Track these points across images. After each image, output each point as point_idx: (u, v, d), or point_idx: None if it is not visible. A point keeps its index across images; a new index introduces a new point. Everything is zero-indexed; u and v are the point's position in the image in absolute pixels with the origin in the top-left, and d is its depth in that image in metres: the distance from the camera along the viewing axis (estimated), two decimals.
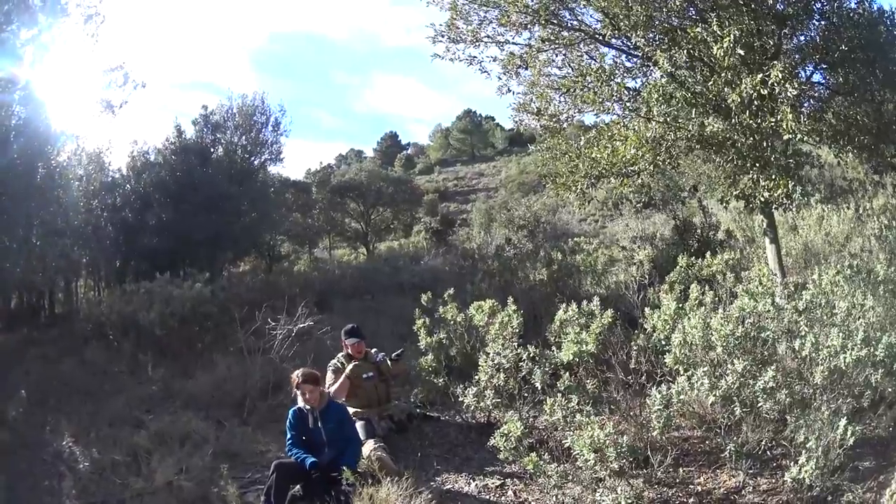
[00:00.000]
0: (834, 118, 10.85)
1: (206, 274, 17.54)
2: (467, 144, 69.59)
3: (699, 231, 18.41)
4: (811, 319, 7.33)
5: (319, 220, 35.70)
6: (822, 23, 10.89)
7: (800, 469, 5.74)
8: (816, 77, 11.42)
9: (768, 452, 6.75)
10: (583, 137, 11.38)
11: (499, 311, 9.28)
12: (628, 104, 10.58)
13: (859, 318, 7.35)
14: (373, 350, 9.43)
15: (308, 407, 7.38)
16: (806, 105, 10.91)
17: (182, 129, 24.73)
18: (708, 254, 12.89)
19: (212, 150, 24.75)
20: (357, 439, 7.75)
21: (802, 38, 11.14)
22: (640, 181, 11.38)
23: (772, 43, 10.17)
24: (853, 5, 10.95)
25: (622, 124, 10.79)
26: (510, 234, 25.49)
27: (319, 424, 7.34)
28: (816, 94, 11.40)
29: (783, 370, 6.77)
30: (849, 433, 5.83)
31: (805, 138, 9.73)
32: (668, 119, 9.68)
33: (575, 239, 21.27)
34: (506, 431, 6.37)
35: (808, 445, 5.83)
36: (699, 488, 6.56)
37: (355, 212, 36.39)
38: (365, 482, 6.81)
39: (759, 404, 6.47)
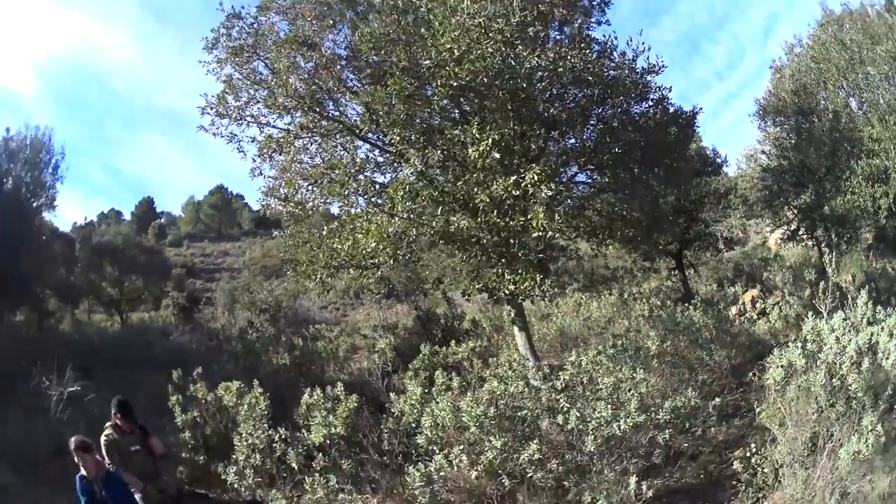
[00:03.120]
0: (596, 214, 11.51)
1: None
2: (216, 221, 66.84)
3: (443, 321, 19.01)
4: (573, 396, 7.71)
5: (80, 279, 33.62)
6: (600, 126, 11.46)
7: None
8: (581, 177, 12.13)
9: None
10: (326, 227, 11.32)
11: (246, 392, 9.40)
12: (373, 199, 10.69)
13: (630, 389, 7.71)
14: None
15: (91, 476, 7.15)
16: (565, 203, 11.33)
17: None
18: (453, 342, 13.32)
19: (4, 181, 22.96)
20: None
21: (573, 140, 11.81)
22: (379, 274, 11.63)
23: (534, 147, 10.70)
24: (642, 109, 11.63)
25: (365, 217, 10.76)
26: (252, 317, 25.31)
27: (104, 493, 7.15)
28: (578, 193, 12.05)
29: (550, 443, 7.22)
30: (644, 488, 6.33)
31: (552, 236, 9.91)
32: (413, 215, 9.87)
33: (316, 326, 21.31)
34: None
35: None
36: None
37: (111, 277, 34.18)
38: None
39: (529, 475, 6.80)
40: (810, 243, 21.25)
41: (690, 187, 18.53)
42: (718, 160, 23.77)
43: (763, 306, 15.16)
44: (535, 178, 8.88)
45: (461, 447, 7.08)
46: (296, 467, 7.69)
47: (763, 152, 22.97)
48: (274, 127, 11.40)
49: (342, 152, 11.29)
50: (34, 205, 24.09)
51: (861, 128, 18.42)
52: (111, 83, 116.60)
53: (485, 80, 9.50)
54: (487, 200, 9.18)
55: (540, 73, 10.01)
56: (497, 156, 9.39)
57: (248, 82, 11.05)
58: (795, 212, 20.33)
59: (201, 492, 9.33)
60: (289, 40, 10.60)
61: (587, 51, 10.44)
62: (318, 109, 10.93)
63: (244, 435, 8.33)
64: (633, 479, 6.30)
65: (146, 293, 36.47)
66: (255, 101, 11.11)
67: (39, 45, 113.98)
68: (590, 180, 12.21)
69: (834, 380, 6.56)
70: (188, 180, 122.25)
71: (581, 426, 6.90)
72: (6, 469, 9.45)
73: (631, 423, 6.82)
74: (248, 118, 11.28)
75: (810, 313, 7.95)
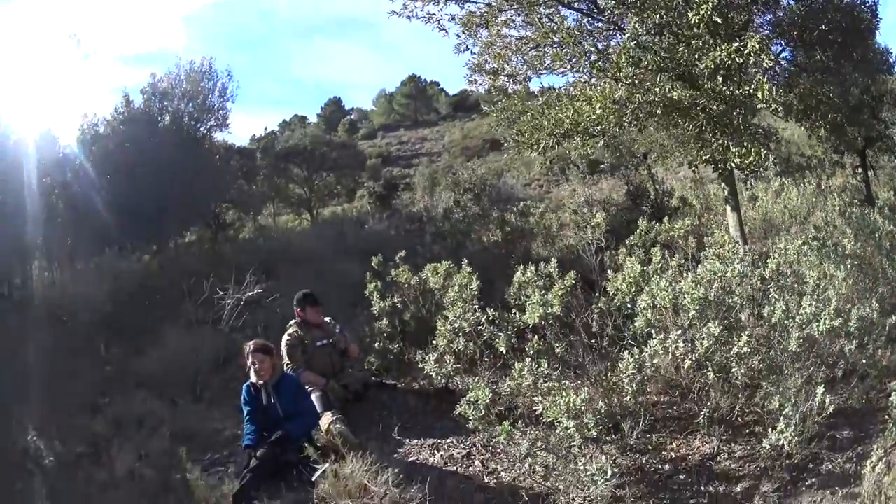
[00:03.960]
0: (800, 95, 10.96)
1: (153, 246, 17.04)
2: (411, 109, 67.92)
3: (652, 197, 18.66)
4: (781, 287, 7.32)
5: (263, 186, 34.49)
6: (800, 2, 10.95)
7: (778, 436, 5.66)
8: (785, 54, 11.55)
9: (739, 419, 6.66)
10: (540, 98, 11.13)
11: (455, 273, 9.32)
12: (598, 64, 10.20)
13: (828, 288, 7.35)
14: (327, 319, 9.15)
15: (261, 382, 7.15)
16: (777, 79, 10.99)
17: (131, 99, 23.68)
18: (666, 219, 12.98)
19: (159, 118, 23.94)
20: (313, 411, 7.57)
21: (770, 15, 11.17)
22: (603, 142, 11.34)
23: (739, 18, 10.17)
24: None
25: (589, 84, 10.51)
26: (457, 196, 25.39)
27: (273, 400, 7.12)
28: (781, 71, 11.49)
29: (752, 337, 6.63)
30: (827, 401, 5.81)
31: (776, 110, 9.76)
32: (636, 81, 9.43)
33: (524, 203, 20.85)
34: (473, 399, 6.07)
35: (784, 412, 5.75)
36: (673, 454, 6.45)
37: (299, 177, 35.29)
38: (327, 457, 6.69)
39: (733, 370, 6.41)
40: None
41: (874, 81, 17.56)
42: (890, 59, 22.42)
43: None
44: (756, 46, 8.42)
45: (678, 333, 6.63)
46: (504, 351, 7.42)
47: None
48: (473, 2, 11.22)
49: (550, 23, 10.74)
50: (201, 130, 25.44)
51: None
52: (271, 7, 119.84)
53: None
54: (712, 66, 8.76)
55: None
56: (718, 20, 8.91)
57: None
58: None
59: (389, 382, 9.24)
60: None
61: None
62: None
63: (451, 318, 8.08)
64: (820, 390, 5.84)
65: (338, 187, 37.66)
66: None
67: None
68: (792, 58, 11.60)
69: None
70: (370, 78, 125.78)
71: (785, 321, 6.47)
72: (152, 394, 9.52)
73: (828, 326, 6.36)
74: None
75: None
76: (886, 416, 6.04)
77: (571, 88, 10.87)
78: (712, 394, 6.60)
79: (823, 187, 16.82)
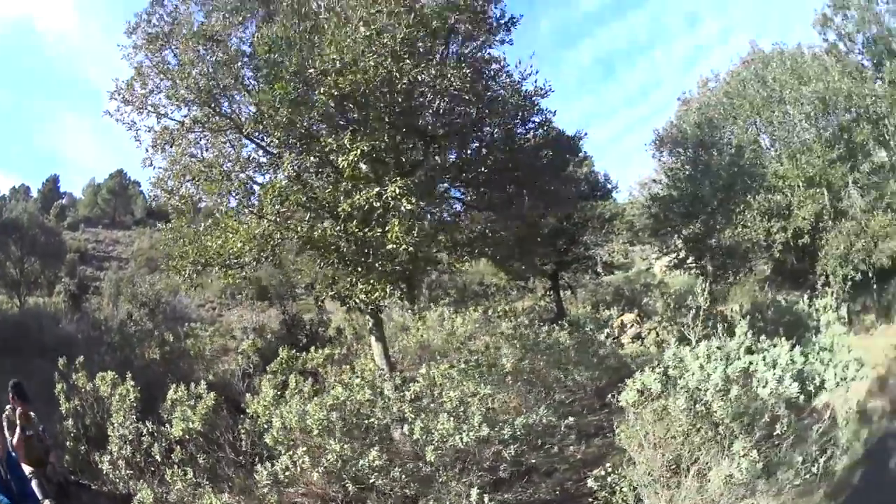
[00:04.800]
0: (461, 231, 12.18)
1: None
2: (111, 206, 66.58)
3: (308, 326, 20.07)
4: (418, 408, 8.32)
5: None
6: (476, 144, 12.23)
7: None
8: (456, 193, 12.91)
9: None
10: (202, 224, 11.57)
11: (119, 384, 9.86)
12: (244, 199, 11.08)
13: (473, 404, 8.27)
14: (31, 413, 9.28)
15: None
16: (432, 218, 12.18)
17: None
18: (314, 348, 13.95)
19: None
20: (36, 497, 7.90)
21: (453, 156, 12.50)
22: (244, 274, 11.90)
23: (408, 160, 11.36)
24: (525, 130, 12.48)
25: (235, 217, 11.08)
26: (133, 310, 26.00)
27: (8, 476, 7.21)
28: (450, 209, 12.93)
29: (398, 452, 7.83)
30: (486, 500, 6.87)
31: (406, 249, 10.09)
32: (279, 218, 10.32)
33: (191, 324, 21.47)
34: (140, 500, 6.97)
35: None
36: None
37: (14, 256, 33.36)
38: None
39: (372, 481, 7.36)
40: (697, 272, 22.44)
41: (572, 210, 19.44)
42: (609, 185, 24.82)
43: (639, 330, 16.07)
44: (397, 191, 9.48)
45: (304, 449, 7.54)
46: (159, 459, 8.16)
47: (654, 181, 24.33)
48: (171, 119, 11.61)
49: (229, 149, 11.54)
50: None
51: (766, 164, 20.13)
52: (45, 51, 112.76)
53: (365, 91, 10.04)
54: (349, 209, 9.77)
55: (422, 89, 10.70)
56: (363, 167, 10.08)
57: (156, 71, 11.23)
58: (683, 241, 21.79)
59: (85, 482, 9.60)
60: (196, 34, 10.87)
61: (466, 70, 10.95)
62: (212, 105, 11.18)
63: (116, 426, 8.82)
64: (474, 492, 6.84)
65: (42, 277, 35.81)
66: (159, 91, 11.32)
67: None
68: (462, 196, 13.00)
69: (697, 406, 7.03)
70: (97, 160, 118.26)
71: (425, 437, 7.44)
72: None
73: (474, 437, 7.37)
74: (150, 107, 11.44)
75: (673, 340, 8.91)
76: (593, 500, 7.26)
77: (227, 217, 11.27)
78: (368, 502, 7.60)
79: (491, 312, 17.93)
